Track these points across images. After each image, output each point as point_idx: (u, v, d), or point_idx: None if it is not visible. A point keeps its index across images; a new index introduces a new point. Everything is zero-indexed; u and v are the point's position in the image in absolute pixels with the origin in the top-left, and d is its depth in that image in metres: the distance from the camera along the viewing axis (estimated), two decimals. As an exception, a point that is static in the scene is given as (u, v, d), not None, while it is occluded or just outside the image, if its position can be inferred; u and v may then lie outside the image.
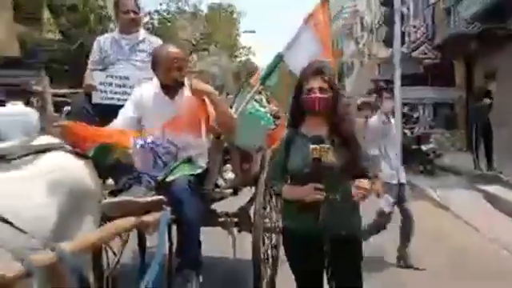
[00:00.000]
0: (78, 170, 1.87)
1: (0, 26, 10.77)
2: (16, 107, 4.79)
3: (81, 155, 1.97)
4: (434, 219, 5.89)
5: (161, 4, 17.62)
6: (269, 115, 3.11)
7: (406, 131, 8.73)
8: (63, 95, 3.40)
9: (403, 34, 8.96)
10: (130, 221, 2.09)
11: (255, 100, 3.11)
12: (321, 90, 2.03)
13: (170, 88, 2.59)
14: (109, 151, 2.28)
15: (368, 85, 16.01)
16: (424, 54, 11.37)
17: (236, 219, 3.10)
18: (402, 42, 9.02)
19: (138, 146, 2.35)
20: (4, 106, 4.97)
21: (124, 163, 2.33)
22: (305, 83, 2.07)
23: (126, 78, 2.92)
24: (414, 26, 12.42)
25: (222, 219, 3.09)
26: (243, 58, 23.65)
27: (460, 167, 8.67)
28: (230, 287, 3.48)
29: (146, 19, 14.31)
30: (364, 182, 1.92)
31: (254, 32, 25.29)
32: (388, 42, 10.30)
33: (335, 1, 30.66)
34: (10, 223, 1.39)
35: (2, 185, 1.53)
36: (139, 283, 2.04)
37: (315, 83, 2.04)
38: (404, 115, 9.05)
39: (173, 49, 2.61)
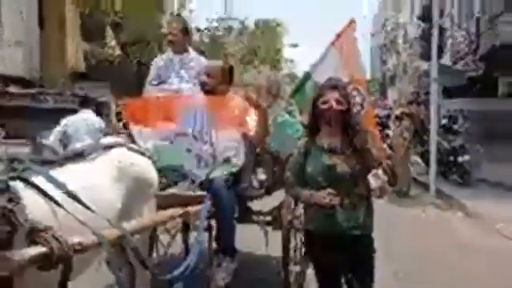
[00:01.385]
0: (139, 163, 2.38)
1: (70, 45, 12.00)
2: (83, 114, 5.52)
3: (140, 152, 2.50)
4: (468, 230, 5.99)
5: (211, 22, 18.60)
6: (299, 125, 3.53)
7: (444, 143, 8.75)
8: (125, 105, 4.02)
9: (440, 47, 8.99)
10: (178, 211, 2.60)
11: (287, 111, 3.54)
12: (337, 101, 2.21)
13: (215, 94, 3.06)
14: (162, 152, 2.83)
15: (409, 96, 15.84)
16: (467, 66, 11.26)
17: (269, 218, 3.50)
18: (440, 55, 9.06)
19: (184, 150, 2.87)
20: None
21: (173, 164, 2.86)
22: (322, 96, 2.26)
23: (177, 91, 3.47)
24: (457, 38, 12.31)
25: (256, 217, 3.50)
26: (286, 71, 24.16)
27: (497, 178, 8.57)
28: (261, 281, 3.74)
29: (197, 36, 15.18)
30: (380, 173, 2.14)
31: (296, 46, 25.70)
32: (426, 56, 10.35)
33: (379, 13, 30.48)
34: (87, 206, 1.82)
35: (80, 175, 1.99)
36: (182, 265, 2.49)
37: (331, 95, 2.22)
38: (443, 127, 9.06)
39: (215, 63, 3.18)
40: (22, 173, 1.68)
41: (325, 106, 2.22)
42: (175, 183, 2.79)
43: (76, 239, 1.62)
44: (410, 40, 20.83)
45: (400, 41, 25.78)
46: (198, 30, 16.50)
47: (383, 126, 13.21)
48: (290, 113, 3.52)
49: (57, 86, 12.04)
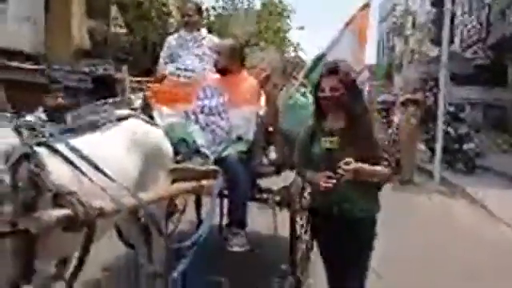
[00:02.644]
0: (154, 134, 2.42)
1: (74, 21, 11.98)
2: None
3: (154, 123, 2.53)
4: (471, 217, 6.04)
5: (217, 1, 18.42)
6: (311, 106, 3.53)
7: (450, 130, 8.74)
8: (138, 81, 4.03)
9: (452, 33, 8.91)
10: (192, 184, 2.64)
11: (299, 92, 3.54)
12: (332, 89, 2.17)
13: (227, 73, 3.09)
14: (176, 129, 2.85)
15: (416, 82, 15.80)
16: (475, 54, 11.17)
17: (278, 197, 3.55)
18: (452, 41, 8.99)
19: (199, 126, 2.89)
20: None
21: (187, 139, 2.88)
22: (320, 83, 2.24)
23: (192, 70, 3.47)
24: (467, 26, 12.18)
25: (265, 195, 3.55)
26: (292, 54, 23.94)
27: (502, 168, 8.59)
28: (268, 259, 3.93)
29: (204, 14, 15.06)
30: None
31: (303, 28, 25.44)
32: (436, 42, 10.23)
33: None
34: (107, 175, 1.87)
35: (96, 145, 2.02)
36: (194, 236, 2.55)
37: (327, 83, 2.19)
38: (450, 114, 9.05)
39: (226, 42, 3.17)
40: (46, 140, 1.70)
41: (321, 94, 2.21)
42: (189, 158, 2.81)
43: (97, 204, 1.65)
44: (419, 25, 20.60)
45: (408, 26, 25.51)
46: (206, 9, 16.34)
47: (388, 112, 13.19)
48: (303, 94, 3.52)
49: (62, 63, 12.08)
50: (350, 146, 2.14)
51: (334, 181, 2.09)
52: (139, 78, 4.21)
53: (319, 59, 3.48)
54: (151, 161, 2.30)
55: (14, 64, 10.66)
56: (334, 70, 2.22)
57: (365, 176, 2.11)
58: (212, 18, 17.88)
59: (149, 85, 3.32)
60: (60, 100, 4.17)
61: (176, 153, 2.77)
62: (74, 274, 1.78)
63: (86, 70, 12.45)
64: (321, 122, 2.28)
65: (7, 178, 1.49)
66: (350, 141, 2.15)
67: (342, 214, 2.20)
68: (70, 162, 1.71)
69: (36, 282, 1.71)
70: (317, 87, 2.26)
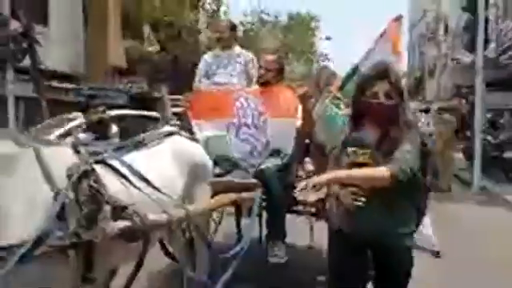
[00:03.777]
0: (195, 149, 2.55)
1: (110, 42, 12.57)
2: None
3: (194, 139, 2.65)
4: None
5: (245, 15, 18.80)
6: (345, 118, 3.57)
7: (489, 138, 8.49)
8: (174, 99, 4.21)
9: (487, 38, 8.71)
10: (233, 196, 2.73)
11: (333, 104, 3.60)
12: (386, 95, 1.87)
13: (267, 86, 3.20)
14: (215, 143, 2.97)
15: (450, 90, 15.43)
16: (511, 59, 10.81)
17: (314, 209, 3.59)
18: (486, 46, 8.78)
19: (239, 139, 3.00)
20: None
21: (225, 154, 2.99)
22: (369, 86, 1.91)
23: (225, 85, 3.60)
24: (502, 30, 11.85)
25: (301, 207, 3.60)
26: (320, 64, 24.01)
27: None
28: (306, 271, 3.82)
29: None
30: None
31: (330, 39, 25.52)
32: (470, 47, 10.00)
33: (418, 5, 29.60)
34: (157, 188, 2.01)
35: (146, 161, 2.16)
36: (236, 245, 2.63)
37: (380, 87, 1.88)
38: (488, 121, 8.79)
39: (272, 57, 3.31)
40: (103, 158, 1.84)
41: (372, 100, 1.87)
42: (228, 172, 2.91)
43: (151, 216, 1.77)
44: (452, 31, 20.16)
45: (441, 32, 25.00)
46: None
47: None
48: (337, 106, 3.57)
49: (99, 81, 12.67)
50: (381, 160, 1.81)
51: (362, 199, 1.80)
52: (175, 96, 4.39)
53: (353, 71, 3.53)
54: (193, 175, 2.41)
55: (57, 85, 11.24)
56: (386, 72, 1.91)
57: (355, 180, 1.82)
58: (240, 34, 18.22)
59: (185, 100, 3.47)
60: (101, 115, 4.40)
61: (216, 165, 2.89)
62: (129, 283, 1.89)
63: (122, 87, 12.98)
64: (352, 133, 1.97)
65: (71, 194, 1.63)
66: (385, 155, 1.82)
67: (368, 238, 1.86)
68: (125, 178, 1.84)
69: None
70: (360, 91, 1.94)
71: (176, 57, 12.31)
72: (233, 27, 3.97)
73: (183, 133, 2.72)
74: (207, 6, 15.35)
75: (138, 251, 1.84)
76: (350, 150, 1.87)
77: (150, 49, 12.84)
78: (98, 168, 1.79)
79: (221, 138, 3.04)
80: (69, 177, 1.65)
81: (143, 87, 13.07)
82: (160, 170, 2.20)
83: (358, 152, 1.86)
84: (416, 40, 31.73)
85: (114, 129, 4.82)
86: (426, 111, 11.95)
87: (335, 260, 2.01)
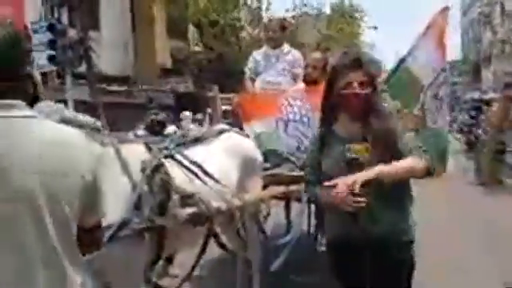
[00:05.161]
0: (247, 144, 2.76)
1: (158, 43, 13.17)
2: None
3: (245, 135, 2.86)
4: None
5: (287, 10, 18.85)
6: (392, 111, 3.64)
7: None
8: (228, 98, 4.47)
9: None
10: (281, 188, 2.92)
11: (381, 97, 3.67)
12: (361, 84, 1.78)
13: (313, 84, 3.34)
14: (265, 139, 3.16)
15: (507, 76, 14.63)
16: None
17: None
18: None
19: (287, 134, 3.17)
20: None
21: (275, 148, 3.18)
22: (341, 76, 1.82)
23: (274, 83, 3.78)
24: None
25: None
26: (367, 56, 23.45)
27: None
28: None
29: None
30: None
31: (376, 29, 24.98)
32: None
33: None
34: (217, 180, 2.24)
35: (205, 155, 2.38)
36: (285, 236, 2.82)
37: (355, 77, 1.79)
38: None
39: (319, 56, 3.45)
40: (170, 153, 2.09)
41: (346, 91, 1.79)
42: (277, 166, 3.10)
43: (214, 204, 2.00)
44: (509, 14, 19.04)
45: (496, 15, 23.66)
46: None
47: (477, 110, 12.36)
48: (384, 100, 3.64)
49: (147, 82, 13.30)
50: (376, 151, 1.73)
51: (363, 199, 1.65)
52: (222, 95, 4.63)
53: (398, 67, 3.59)
54: (245, 168, 2.62)
55: (110, 88, 11.95)
56: (358, 61, 1.83)
57: (395, 175, 1.70)
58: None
59: (236, 101, 3.69)
60: (157, 116, 4.74)
61: (265, 160, 3.08)
62: (194, 266, 2.14)
63: (169, 87, 13.56)
64: (331, 128, 1.89)
65: (145, 186, 1.88)
66: (375, 145, 1.75)
67: (372, 239, 1.76)
68: (190, 170, 2.08)
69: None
70: (332, 82, 1.85)
71: (220, 55, 12.67)
72: (283, 27, 4.13)
73: (235, 129, 2.94)
74: (249, 3, 15.57)
75: (203, 236, 2.07)
76: (348, 146, 1.75)
77: (195, 49, 13.29)
78: (167, 162, 2.04)
79: (270, 134, 3.23)
80: (143, 170, 1.90)
81: (189, 86, 13.56)
82: (217, 163, 2.43)
83: (354, 148, 1.74)
84: (469, 25, 30.23)
85: (171, 128, 5.15)
86: (482, 101, 11.46)
87: (338, 267, 1.90)
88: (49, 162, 1.04)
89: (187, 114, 8.19)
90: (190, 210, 1.90)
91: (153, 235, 1.91)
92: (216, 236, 2.97)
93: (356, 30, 24.01)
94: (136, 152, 1.99)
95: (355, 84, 1.79)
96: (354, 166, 1.73)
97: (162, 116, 4.58)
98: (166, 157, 2.07)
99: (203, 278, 3.64)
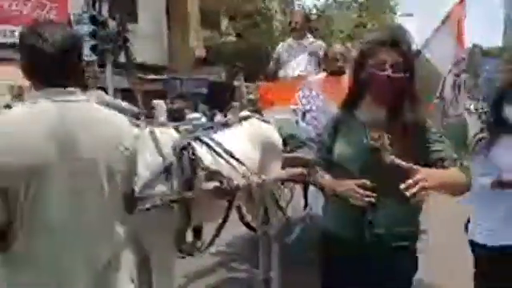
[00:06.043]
0: (268, 129, 3.03)
1: (191, 34, 13.59)
2: None
3: (267, 121, 3.13)
4: None
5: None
6: None
7: None
8: (247, 87, 4.75)
9: None
10: (298, 170, 3.17)
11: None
12: (394, 66, 1.57)
13: (333, 74, 3.55)
14: (284, 125, 3.41)
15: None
16: None
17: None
18: None
19: (305, 122, 3.41)
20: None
21: (294, 134, 3.42)
22: (373, 55, 1.60)
23: (297, 74, 4.01)
24: None
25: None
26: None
27: None
28: None
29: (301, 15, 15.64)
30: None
31: (411, 15, 24.32)
32: None
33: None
34: (238, 160, 2.54)
35: (229, 138, 2.67)
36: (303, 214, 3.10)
37: (389, 56, 1.58)
38: None
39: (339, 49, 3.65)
40: (198, 135, 2.40)
41: (377, 71, 1.59)
42: (296, 150, 3.35)
43: (235, 181, 2.30)
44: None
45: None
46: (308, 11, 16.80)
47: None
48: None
49: (181, 72, 13.77)
50: (400, 144, 1.55)
51: (374, 195, 1.53)
52: (248, 84, 4.91)
53: (416, 56, 3.71)
54: (267, 150, 2.90)
55: (146, 76, 12.50)
56: (395, 40, 1.61)
57: (446, 188, 1.50)
58: (314, 17, 18.30)
59: (257, 90, 3.96)
60: (173, 105, 5.10)
61: (284, 145, 3.33)
62: (217, 233, 2.45)
63: (201, 76, 13.98)
64: (353, 111, 1.71)
65: (175, 163, 2.20)
66: (400, 137, 1.56)
67: (378, 240, 1.59)
68: (214, 151, 2.38)
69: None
70: (363, 59, 1.64)
71: (252, 44, 12.94)
72: (307, 18, 4.35)
73: (257, 115, 3.22)
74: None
75: (224, 209, 2.38)
76: (371, 134, 1.57)
77: (228, 39, 13.61)
78: (194, 143, 2.35)
79: (289, 121, 3.48)
80: (173, 149, 2.22)
81: (221, 76, 13.93)
82: (240, 146, 2.72)
83: (374, 136, 1.57)
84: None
85: (193, 115, 5.50)
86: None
87: (333, 263, 1.72)
88: (103, 138, 1.35)
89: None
90: (213, 184, 2.21)
91: (181, 206, 2.22)
92: (240, 212, 3.27)
93: (391, 18, 23.48)
94: (167, 134, 2.31)
95: (388, 65, 1.58)
96: (375, 155, 1.54)
97: (178, 104, 4.91)
98: (194, 138, 2.37)
99: (227, 254, 4.00)
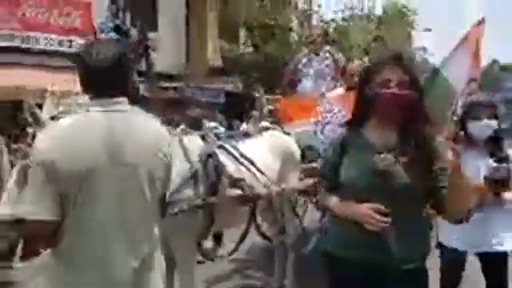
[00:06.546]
0: (288, 141, 3.15)
1: (209, 44, 13.84)
2: None
3: (286, 132, 3.25)
4: None
5: (336, 12, 18.94)
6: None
7: None
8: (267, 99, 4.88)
9: None
10: (313, 181, 3.26)
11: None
12: (400, 84, 1.56)
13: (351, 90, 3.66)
14: (303, 137, 3.52)
15: None
16: None
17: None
18: None
19: (324, 135, 3.51)
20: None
21: (312, 145, 3.52)
22: (377, 72, 1.60)
23: (313, 87, 4.12)
24: None
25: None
26: (418, 59, 23.05)
27: None
28: None
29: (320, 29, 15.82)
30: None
31: (430, 30, 24.33)
32: None
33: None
34: (259, 169, 2.66)
35: (251, 148, 2.80)
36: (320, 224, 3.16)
37: (392, 74, 1.57)
38: None
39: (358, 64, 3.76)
40: (222, 144, 2.53)
41: (382, 90, 1.57)
42: (314, 161, 3.44)
43: (258, 190, 2.41)
44: None
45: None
46: (326, 22, 16.96)
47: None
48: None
49: (199, 81, 14.00)
50: (412, 168, 1.55)
51: (389, 219, 1.51)
52: (267, 96, 5.04)
53: (433, 76, 3.78)
54: (286, 161, 3.01)
55: (164, 85, 12.76)
56: (398, 57, 1.63)
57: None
58: (331, 30, 18.46)
59: (277, 105, 4.08)
60: (196, 112, 5.25)
61: (303, 157, 3.42)
62: (241, 240, 2.56)
63: (219, 86, 14.17)
64: (360, 131, 1.68)
65: (201, 169, 2.32)
66: (412, 160, 1.55)
67: (389, 264, 1.56)
68: (237, 159, 2.50)
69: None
70: (367, 78, 1.64)
71: (269, 56, 13.11)
72: (325, 34, 4.49)
73: (277, 127, 3.34)
74: (300, 6, 15.88)
75: (247, 216, 2.49)
76: (379, 156, 1.55)
77: (246, 50, 13.82)
78: (219, 151, 2.47)
79: (309, 135, 3.58)
80: (200, 157, 2.34)
81: (238, 86, 14.10)
82: (261, 156, 2.84)
83: (386, 158, 1.54)
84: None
85: (212, 123, 5.64)
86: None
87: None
88: (144, 145, 1.47)
89: None
90: (236, 192, 2.32)
91: (205, 211, 2.34)
92: (255, 221, 3.37)
93: (408, 32, 23.53)
94: (194, 142, 2.44)
95: (393, 83, 1.56)
96: (384, 178, 1.53)
97: (196, 113, 5.05)
98: (218, 147, 2.50)
99: (245, 261, 4.08)
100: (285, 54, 12.96)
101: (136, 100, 1.55)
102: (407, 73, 1.59)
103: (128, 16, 10.62)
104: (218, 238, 2.67)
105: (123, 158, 1.41)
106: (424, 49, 24.86)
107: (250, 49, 13.70)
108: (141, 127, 1.51)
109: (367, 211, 1.53)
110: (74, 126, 1.40)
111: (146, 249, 1.48)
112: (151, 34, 12.14)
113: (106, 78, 1.44)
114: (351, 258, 1.61)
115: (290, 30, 14.47)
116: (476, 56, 3.77)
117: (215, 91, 13.42)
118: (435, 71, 3.90)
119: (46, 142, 1.35)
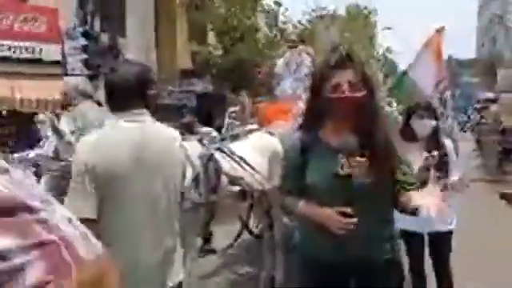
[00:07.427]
0: (274, 141, 3.36)
1: (179, 45, 13.91)
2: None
3: (272, 133, 3.47)
4: None
5: (304, 14, 19.42)
6: (395, 114, 4.22)
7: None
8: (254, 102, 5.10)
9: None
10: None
11: (384, 101, 4.26)
12: (351, 85, 1.55)
13: None
14: (285, 139, 3.76)
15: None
16: None
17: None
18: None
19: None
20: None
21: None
22: (328, 77, 1.58)
23: (292, 93, 4.38)
24: None
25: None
26: (381, 58, 23.96)
27: None
28: None
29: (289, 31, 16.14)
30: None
31: (389, 29, 25.34)
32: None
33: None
34: (254, 168, 2.87)
35: (241, 149, 3.01)
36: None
37: (343, 76, 1.55)
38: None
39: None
40: (219, 146, 2.72)
41: (334, 95, 1.56)
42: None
43: (255, 187, 2.62)
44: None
45: (509, 16, 23.73)
46: (293, 25, 17.33)
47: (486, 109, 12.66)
48: (389, 103, 4.22)
49: (169, 83, 14.03)
50: (372, 168, 1.55)
51: (354, 221, 1.53)
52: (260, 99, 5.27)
53: (402, 76, 4.18)
54: (273, 162, 3.22)
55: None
56: (348, 57, 1.59)
57: None
58: (298, 31, 18.87)
59: (257, 108, 4.32)
60: (190, 118, 5.41)
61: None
62: (237, 237, 2.76)
63: (189, 88, 14.25)
64: (318, 134, 1.69)
65: (202, 171, 2.51)
66: (372, 160, 1.55)
67: (358, 263, 1.62)
68: (233, 160, 2.71)
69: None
70: (319, 82, 1.61)
71: (238, 57, 13.35)
72: (302, 41, 4.76)
73: (263, 129, 3.56)
74: (266, 8, 16.18)
75: (244, 213, 2.70)
76: (341, 160, 1.55)
77: (215, 52, 13.98)
78: (216, 153, 2.67)
79: (288, 135, 3.82)
80: (200, 159, 2.54)
81: (208, 87, 14.22)
82: (252, 156, 3.04)
83: (348, 161, 1.54)
84: (485, 25, 30.27)
85: (205, 128, 5.79)
86: (494, 101, 11.72)
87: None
88: (164, 150, 1.67)
89: None
90: (235, 188, 2.54)
91: (207, 208, 2.53)
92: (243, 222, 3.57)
93: (369, 31, 24.39)
94: (193, 145, 2.63)
95: (345, 86, 1.55)
96: (347, 181, 1.55)
97: (187, 119, 5.22)
98: (216, 149, 2.70)
99: (234, 256, 4.25)
100: (254, 55, 13.23)
101: (155, 110, 1.74)
102: (357, 72, 1.59)
103: (97, 21, 10.52)
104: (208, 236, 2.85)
105: (149, 163, 1.61)
106: (388, 48, 25.86)
107: (220, 51, 13.88)
108: (160, 134, 1.70)
109: (332, 215, 1.56)
110: (108, 136, 1.59)
111: (169, 243, 1.67)
112: (120, 40, 12.07)
113: (129, 94, 1.63)
114: (320, 258, 1.67)
115: (257, 30, 14.74)
116: (439, 58, 4.18)
117: (186, 94, 13.49)
118: (404, 73, 4.30)
119: (87, 150, 1.53)
